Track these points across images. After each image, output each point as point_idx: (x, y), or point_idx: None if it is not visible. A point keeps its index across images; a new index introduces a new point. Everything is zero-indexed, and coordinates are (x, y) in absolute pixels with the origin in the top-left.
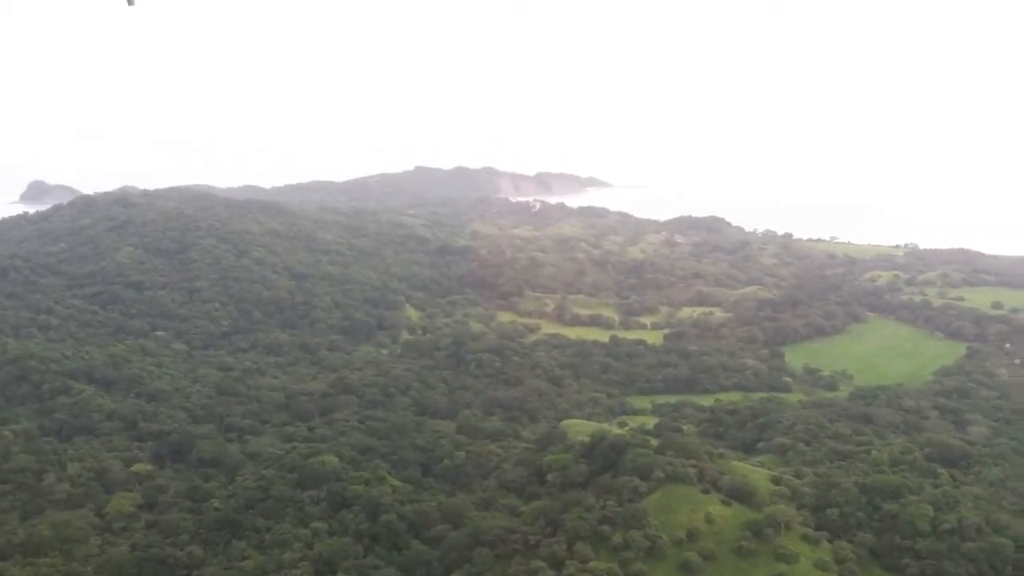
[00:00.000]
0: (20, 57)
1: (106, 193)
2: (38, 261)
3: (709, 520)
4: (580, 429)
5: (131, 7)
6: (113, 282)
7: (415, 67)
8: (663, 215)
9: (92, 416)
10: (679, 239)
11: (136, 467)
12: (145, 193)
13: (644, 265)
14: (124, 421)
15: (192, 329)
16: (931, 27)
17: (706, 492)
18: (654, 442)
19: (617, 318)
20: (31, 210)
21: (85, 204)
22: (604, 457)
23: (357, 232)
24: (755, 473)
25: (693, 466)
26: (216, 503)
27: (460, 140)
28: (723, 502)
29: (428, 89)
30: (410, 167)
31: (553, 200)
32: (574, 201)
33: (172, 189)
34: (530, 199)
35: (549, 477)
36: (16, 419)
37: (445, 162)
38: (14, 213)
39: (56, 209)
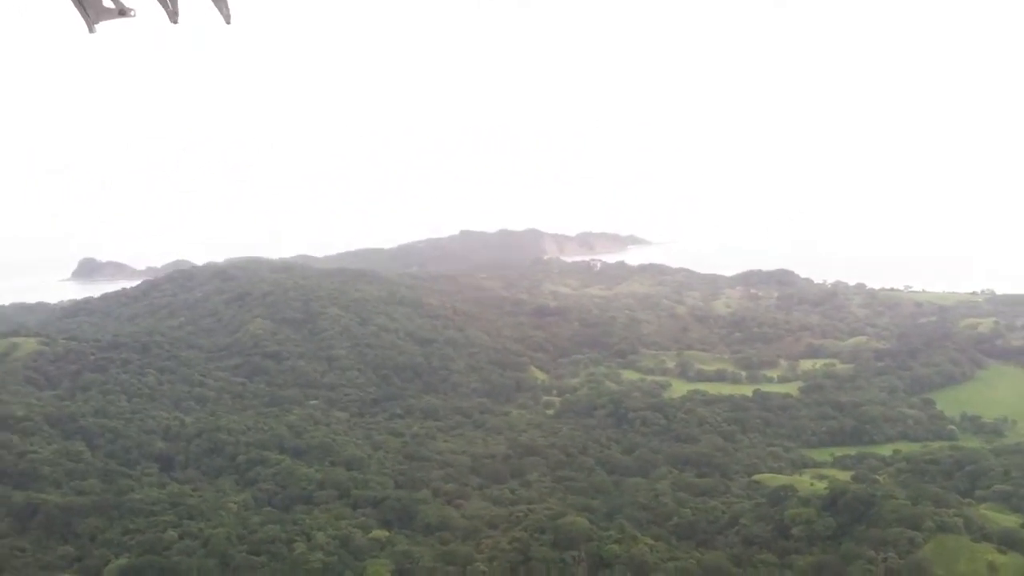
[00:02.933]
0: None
1: (199, 268)
2: (172, 336)
3: (992, 569)
4: (777, 483)
5: (92, 34)
6: (251, 353)
7: (443, 130)
8: (713, 269)
9: (301, 484)
10: (757, 292)
11: (374, 533)
12: (234, 264)
13: (745, 320)
14: (337, 489)
15: (342, 397)
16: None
17: (976, 541)
18: (899, 493)
19: (743, 373)
20: (85, 288)
21: (184, 278)
22: (850, 509)
23: (453, 296)
24: (1007, 520)
25: (957, 515)
26: (481, 566)
27: (497, 203)
28: (999, 550)
29: (457, 154)
30: (455, 231)
31: (610, 259)
32: (618, 259)
33: (244, 259)
34: (588, 259)
35: (794, 531)
36: (223, 491)
37: (487, 225)
38: (70, 291)
39: (153, 285)
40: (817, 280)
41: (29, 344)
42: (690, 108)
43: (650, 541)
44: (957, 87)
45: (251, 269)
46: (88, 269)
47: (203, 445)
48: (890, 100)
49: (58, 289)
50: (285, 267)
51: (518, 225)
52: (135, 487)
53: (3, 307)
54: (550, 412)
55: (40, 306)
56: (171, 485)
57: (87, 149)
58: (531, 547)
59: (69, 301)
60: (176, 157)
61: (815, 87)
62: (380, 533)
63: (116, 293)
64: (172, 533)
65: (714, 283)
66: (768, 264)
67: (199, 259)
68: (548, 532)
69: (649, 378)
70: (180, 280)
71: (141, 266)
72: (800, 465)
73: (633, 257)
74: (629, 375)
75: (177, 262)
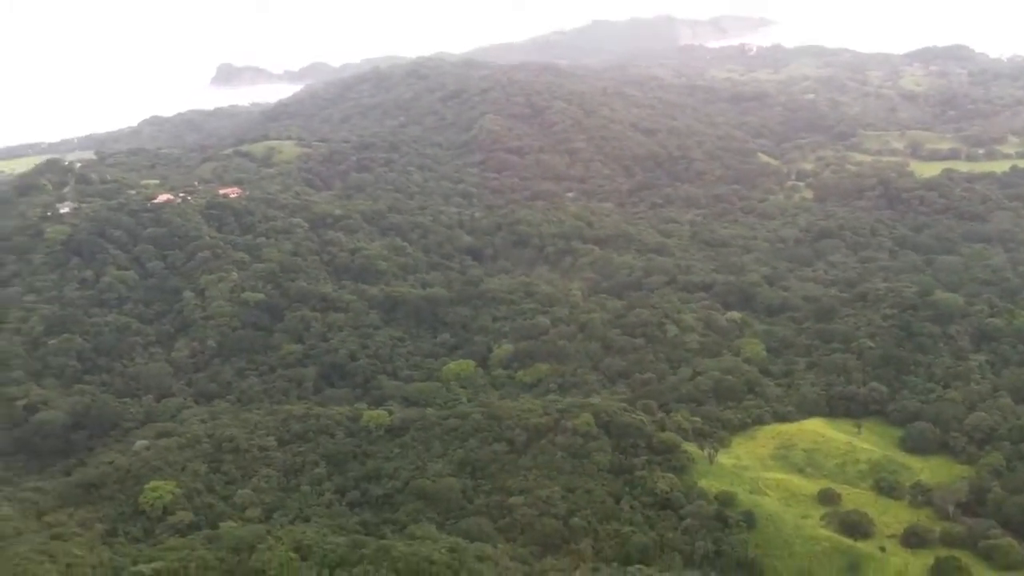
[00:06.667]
0: None
1: (390, 67)
2: (406, 135)
3: None
4: None
5: None
6: (493, 149)
7: None
8: (867, 47)
9: (624, 272)
10: (938, 69)
11: (730, 315)
12: (421, 64)
13: (956, 97)
14: (666, 275)
15: (597, 189)
16: None
17: None
18: None
19: (980, 150)
20: (226, 93)
21: (379, 78)
22: None
23: (642, 87)
24: None
25: None
26: (869, 343)
27: None
28: None
29: None
30: (580, 22)
31: (755, 42)
32: (752, 41)
33: (388, 57)
34: (738, 43)
35: None
36: (546, 280)
37: (614, 14)
38: (214, 97)
39: (347, 86)
40: (992, 55)
41: (287, 147)
42: None
43: None
44: None
45: (433, 66)
46: (226, 74)
47: (507, 238)
48: None
49: (202, 95)
50: (467, 63)
51: (647, 12)
52: (482, 278)
53: (183, 114)
54: (808, 196)
55: (220, 111)
56: (499, 276)
57: None
58: (911, 324)
59: (251, 104)
60: None
61: None
62: (734, 315)
63: (308, 95)
64: (543, 320)
65: (887, 62)
66: (914, 41)
67: (333, 61)
68: (921, 308)
69: (884, 159)
70: (375, 80)
71: (278, 70)
72: None
73: (767, 38)
74: (862, 157)
75: (314, 64)
